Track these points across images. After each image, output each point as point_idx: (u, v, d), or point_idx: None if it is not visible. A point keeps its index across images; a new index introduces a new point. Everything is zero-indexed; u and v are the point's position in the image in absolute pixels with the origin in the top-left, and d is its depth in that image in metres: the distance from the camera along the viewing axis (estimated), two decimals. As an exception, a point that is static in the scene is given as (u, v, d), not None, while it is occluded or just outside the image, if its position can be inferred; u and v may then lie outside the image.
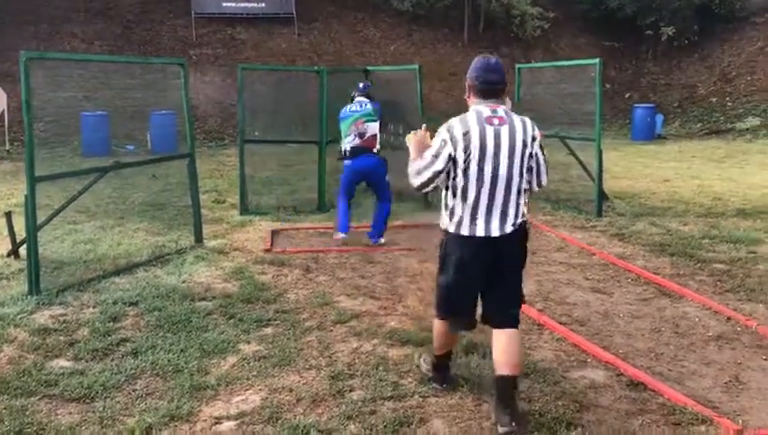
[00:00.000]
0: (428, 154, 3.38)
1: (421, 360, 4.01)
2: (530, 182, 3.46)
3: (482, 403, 3.62)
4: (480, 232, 3.35)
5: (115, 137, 14.73)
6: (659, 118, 17.66)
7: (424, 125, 3.68)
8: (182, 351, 4.26)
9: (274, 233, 7.44)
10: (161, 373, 3.96)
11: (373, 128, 6.97)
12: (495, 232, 3.35)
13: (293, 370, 4.04)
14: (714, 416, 3.45)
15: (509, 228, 3.35)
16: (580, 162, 9.32)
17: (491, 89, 3.39)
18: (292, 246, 6.94)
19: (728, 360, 4.23)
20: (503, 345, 3.44)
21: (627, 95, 20.77)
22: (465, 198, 3.34)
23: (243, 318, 4.84)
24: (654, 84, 20.99)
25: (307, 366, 4.09)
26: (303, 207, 8.78)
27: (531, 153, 3.38)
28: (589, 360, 4.23)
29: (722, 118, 18.18)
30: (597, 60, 8.17)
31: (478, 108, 3.37)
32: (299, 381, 3.88)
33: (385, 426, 3.36)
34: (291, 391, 3.76)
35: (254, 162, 10.86)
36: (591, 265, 6.37)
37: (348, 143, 6.95)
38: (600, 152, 8.40)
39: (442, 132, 3.36)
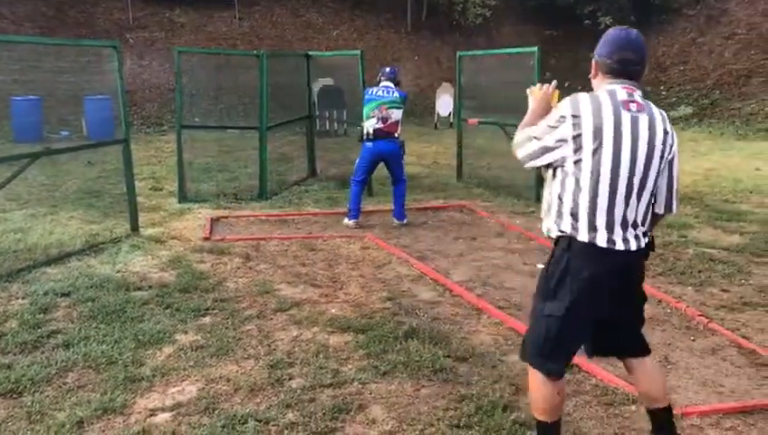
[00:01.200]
0: (543, 124, 2.74)
1: None
2: (656, 198, 2.75)
3: (420, 389, 3.65)
4: (620, 245, 2.64)
5: (48, 122, 14.20)
6: (597, 106, 18.05)
7: (554, 81, 3.09)
8: (116, 342, 4.15)
9: (214, 221, 7.32)
10: (94, 365, 3.85)
11: (397, 115, 7.18)
12: (633, 245, 2.67)
13: (232, 359, 3.99)
14: (643, 395, 3.56)
15: (643, 241, 2.72)
16: (520, 149, 9.45)
17: (627, 69, 2.69)
18: (233, 235, 6.84)
19: (659, 341, 4.37)
20: (651, 375, 2.93)
21: (566, 83, 21.12)
22: (595, 200, 2.61)
23: (180, 308, 4.74)
24: (592, 73, 21.44)
25: (246, 355, 4.04)
26: (244, 195, 8.66)
27: (669, 153, 2.71)
28: (526, 343, 4.30)
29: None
30: (535, 48, 8.28)
31: (611, 87, 2.68)
32: (237, 371, 3.84)
33: (324, 413, 3.35)
34: (228, 380, 3.71)
35: (194, 148, 10.66)
36: (529, 250, 6.48)
37: (370, 126, 7.14)
38: (539, 139, 8.50)
39: (564, 107, 2.67)
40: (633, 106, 2.64)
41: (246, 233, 6.94)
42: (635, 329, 2.92)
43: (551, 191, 2.77)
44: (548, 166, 2.75)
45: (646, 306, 4.55)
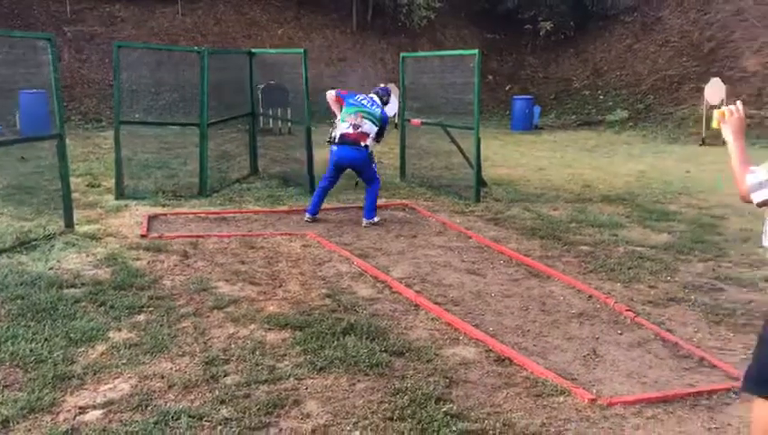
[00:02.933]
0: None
1: None
2: None
3: (356, 383, 3.69)
4: None
5: (-21, 117, 13.69)
6: (537, 109, 18.47)
7: (739, 102, 2.92)
8: (46, 340, 4.06)
9: (152, 218, 7.20)
10: (22, 364, 3.76)
11: (369, 127, 7.14)
12: None
13: (166, 356, 3.95)
14: (571, 387, 3.69)
15: None
16: (461, 150, 9.60)
17: None
18: (171, 232, 6.74)
19: (588, 335, 4.53)
20: None
21: (507, 87, 21.55)
22: None
23: (114, 305, 4.67)
24: (533, 77, 21.91)
25: (181, 353, 4.01)
26: (184, 192, 8.54)
27: None
28: (461, 338, 4.40)
29: (594, 110, 19.26)
30: (476, 51, 8.43)
31: None
32: (171, 368, 3.80)
33: (258, 409, 3.36)
34: (162, 377, 3.68)
35: (134, 145, 10.46)
36: (468, 248, 6.60)
37: (340, 129, 7.13)
38: (479, 141, 8.68)
39: None
40: None
41: (185, 230, 6.85)
42: None
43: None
44: None
45: (576, 301, 4.69)
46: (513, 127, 18.02)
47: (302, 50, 8.73)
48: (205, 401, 3.43)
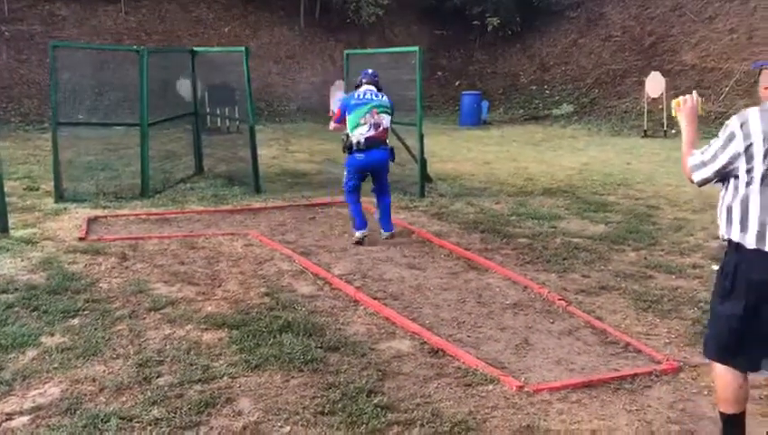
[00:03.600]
0: (713, 148, 2.89)
1: None
2: None
3: (290, 380, 3.73)
4: None
5: None
6: (485, 104, 18.70)
7: (695, 92, 3.22)
8: (-26, 347, 3.99)
9: (91, 221, 7.10)
10: (-52, 373, 3.69)
11: (387, 121, 6.61)
12: None
13: (99, 360, 3.93)
14: (500, 375, 3.80)
15: None
16: (406, 147, 9.67)
17: None
18: (110, 234, 6.66)
19: (521, 325, 4.65)
20: None
21: (456, 83, 21.76)
22: (765, 207, 2.78)
23: (47, 310, 4.60)
24: (481, 72, 22.16)
25: (114, 355, 3.99)
26: (126, 194, 8.43)
27: None
28: (397, 331, 4.48)
29: (540, 105, 19.59)
30: (416, 48, 8.52)
31: None
32: (104, 371, 3.78)
33: (190, 408, 3.37)
34: (94, 380, 3.66)
35: (77, 146, 10.28)
36: (410, 242, 6.69)
37: (361, 134, 6.41)
38: (422, 137, 8.78)
39: (733, 124, 2.84)
40: None
41: (125, 232, 6.78)
42: None
43: (723, 201, 2.94)
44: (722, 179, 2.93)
45: (512, 293, 4.81)
46: (462, 122, 18.21)
47: (243, 48, 8.68)
48: (136, 403, 3.43)
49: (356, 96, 6.56)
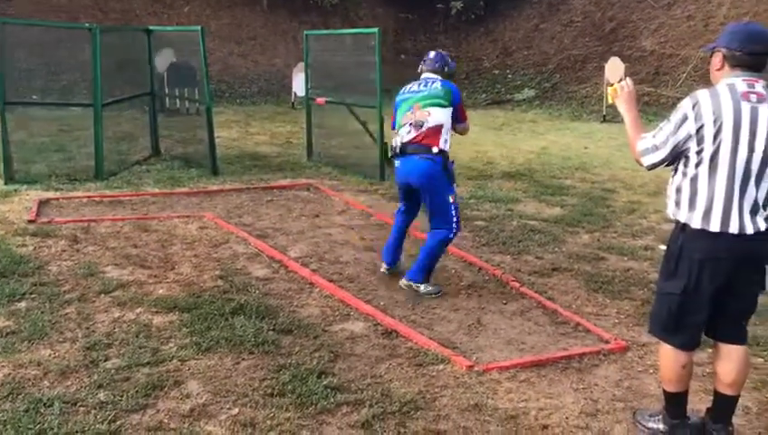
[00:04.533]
0: (665, 131, 2.91)
1: (639, 417, 3.27)
2: None
3: (240, 362, 3.70)
4: (734, 228, 2.81)
5: None
6: (449, 88, 18.72)
7: (628, 78, 3.27)
8: None
9: (42, 203, 6.93)
10: None
11: (438, 116, 4.77)
12: (749, 229, 2.82)
13: (46, 343, 3.85)
14: (451, 355, 3.83)
15: (762, 225, 2.85)
16: (367, 129, 9.65)
17: (756, 61, 2.84)
18: (62, 217, 6.51)
19: (474, 306, 4.69)
20: (732, 364, 3.01)
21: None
22: (712, 186, 2.82)
23: (-7, 293, 4.49)
24: (445, 56, 22.18)
25: (61, 339, 3.92)
26: (79, 176, 8.24)
27: None
28: (352, 313, 4.48)
29: (503, 89, 19.67)
30: (375, 30, 8.47)
31: (732, 81, 2.84)
32: (50, 355, 3.72)
33: (137, 391, 3.33)
34: (39, 365, 3.59)
35: (29, 127, 10.02)
36: (369, 225, 6.68)
37: (400, 137, 4.92)
38: (382, 120, 8.75)
39: (685, 106, 2.86)
40: (753, 97, 2.80)
41: (77, 215, 6.63)
42: (740, 315, 3.02)
43: (672, 181, 2.99)
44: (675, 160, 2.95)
45: (466, 274, 4.84)
46: (425, 106, 18.20)
47: (198, 27, 8.52)
48: (81, 386, 3.38)
49: (403, 89, 5.08)
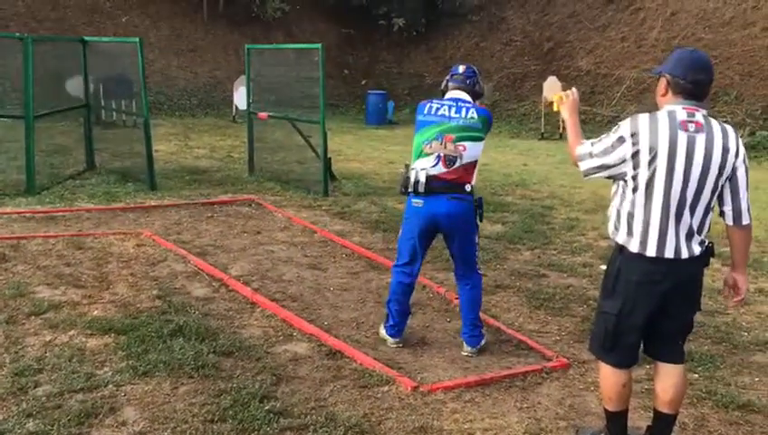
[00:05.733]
0: (603, 143, 2.95)
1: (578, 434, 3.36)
2: (723, 211, 2.94)
3: (179, 386, 3.59)
4: (669, 253, 2.86)
5: None
6: (391, 104, 18.81)
7: (574, 88, 3.35)
8: None
9: (-32, 219, 6.62)
10: None
11: (474, 151, 4.12)
12: (684, 254, 2.87)
13: (-30, 370, 3.65)
14: (396, 376, 3.80)
15: (697, 249, 2.90)
16: (310, 145, 9.62)
17: (699, 90, 2.88)
18: (-11, 233, 6.23)
19: (419, 324, 4.68)
20: (669, 381, 3.07)
21: (363, 81, 21.79)
22: (648, 211, 2.86)
23: None
24: (387, 72, 22.30)
25: (-13, 364, 3.72)
26: (9, 190, 7.91)
27: (728, 170, 2.85)
28: (295, 334, 4.41)
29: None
30: (318, 45, 8.44)
31: (672, 108, 2.87)
32: (-25, 382, 3.52)
33: (69, 419, 3.18)
34: (-37, 393, 3.39)
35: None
36: (312, 242, 6.62)
37: (423, 169, 4.10)
38: (325, 134, 8.72)
39: (623, 128, 2.89)
40: (692, 126, 2.82)
41: (6, 231, 6.35)
42: (676, 335, 3.09)
43: (613, 203, 3.04)
44: (610, 178, 3.01)
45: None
46: (368, 121, 18.25)
47: (137, 39, 8.33)
48: (10, 415, 3.21)
49: (427, 109, 4.21)
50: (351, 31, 22.71)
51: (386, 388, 3.70)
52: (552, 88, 15.99)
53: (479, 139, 4.14)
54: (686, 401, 3.66)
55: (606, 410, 3.19)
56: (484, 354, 4.24)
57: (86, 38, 9.83)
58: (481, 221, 4.32)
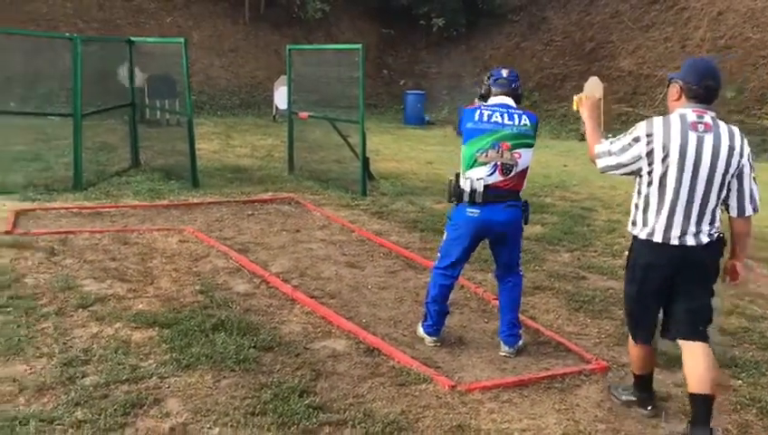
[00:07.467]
0: (621, 142, 3.28)
1: (613, 390, 3.74)
2: (728, 204, 3.26)
3: (221, 380, 3.66)
4: (674, 241, 3.19)
5: None
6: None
7: (598, 81, 3.68)
8: None
9: (19, 214, 6.82)
10: None
11: (526, 159, 4.09)
12: (690, 242, 3.19)
13: (21, 359, 3.77)
14: (433, 375, 3.82)
15: (705, 239, 3.20)
16: (349, 144, 9.68)
17: (709, 95, 3.21)
18: (39, 228, 6.42)
19: (456, 323, 4.68)
20: (695, 359, 3.26)
21: (402, 82, 21.83)
22: (660, 203, 3.20)
23: (-33, 307, 4.40)
24: (426, 72, 22.29)
25: (38, 354, 3.84)
26: (57, 186, 8.13)
27: (734, 167, 3.16)
28: (333, 330, 4.45)
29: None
30: (359, 45, 8.49)
31: (684, 111, 3.20)
32: (26, 371, 3.64)
33: (115, 409, 3.27)
34: (14, 381, 3.52)
35: (6, 136, 9.89)
36: (350, 241, 6.67)
37: (480, 179, 4.03)
38: (364, 134, 8.77)
39: (640, 129, 3.23)
40: (701, 127, 3.15)
41: (55, 226, 6.54)
42: (694, 317, 3.31)
43: (632, 199, 3.38)
44: (624, 175, 3.36)
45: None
46: (406, 121, 18.28)
47: (182, 39, 8.49)
48: (58, 404, 3.31)
49: (478, 115, 4.08)
50: (391, 31, 22.76)
51: (423, 386, 3.71)
52: (593, 88, 15.81)
53: (531, 145, 4.11)
54: (730, 407, 3.62)
55: (633, 373, 3.65)
56: (522, 355, 4.23)
57: (132, 38, 10.03)
58: (526, 224, 4.33)
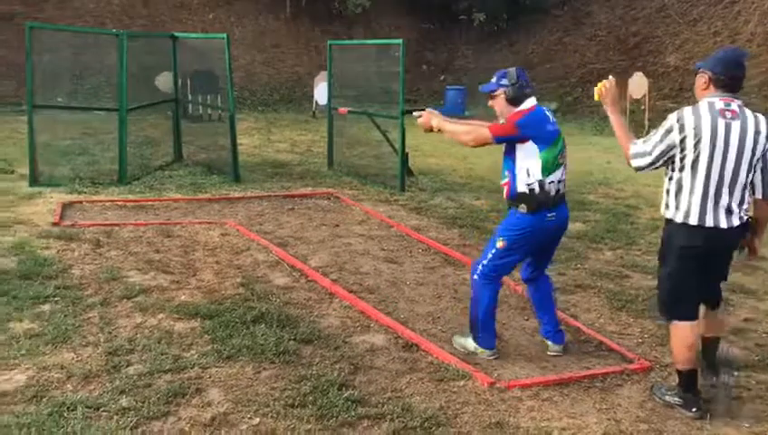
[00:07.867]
0: (653, 139, 3.40)
1: (656, 391, 3.68)
2: (755, 183, 3.44)
3: (261, 371, 3.70)
4: (709, 223, 3.34)
5: None
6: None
7: (611, 77, 3.68)
8: (-60, 332, 3.92)
9: (66, 206, 7.00)
10: None
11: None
12: (723, 224, 3.34)
13: (69, 347, 3.87)
14: (472, 371, 3.80)
15: (736, 221, 3.37)
16: (388, 140, 9.67)
17: (735, 84, 3.38)
18: (85, 220, 6.57)
19: (495, 321, 4.64)
20: (712, 318, 3.70)
21: (441, 77, 21.75)
22: (692, 187, 3.33)
23: (17, 295, 4.53)
24: (466, 67, 22.15)
25: (84, 343, 3.94)
26: (103, 179, 8.32)
27: (760, 151, 3.34)
28: (372, 325, 4.46)
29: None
30: (400, 40, 8.48)
31: (712, 100, 3.35)
32: (73, 358, 3.73)
33: (158, 398, 3.34)
34: (62, 368, 3.61)
35: (55, 130, 10.14)
36: (389, 236, 6.67)
37: (560, 181, 3.94)
38: (403, 130, 8.76)
39: (671, 120, 3.36)
40: (728, 114, 3.32)
41: (100, 218, 6.69)
42: (717, 289, 3.68)
43: (664, 185, 3.51)
44: (662, 165, 3.47)
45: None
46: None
47: (224, 35, 8.59)
48: (104, 392, 3.39)
49: (548, 116, 3.98)
50: (431, 26, 22.70)
51: (462, 382, 3.70)
52: (638, 84, 15.53)
53: None
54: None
55: (678, 371, 3.56)
56: (563, 354, 4.18)
57: (176, 34, 10.19)
58: None
